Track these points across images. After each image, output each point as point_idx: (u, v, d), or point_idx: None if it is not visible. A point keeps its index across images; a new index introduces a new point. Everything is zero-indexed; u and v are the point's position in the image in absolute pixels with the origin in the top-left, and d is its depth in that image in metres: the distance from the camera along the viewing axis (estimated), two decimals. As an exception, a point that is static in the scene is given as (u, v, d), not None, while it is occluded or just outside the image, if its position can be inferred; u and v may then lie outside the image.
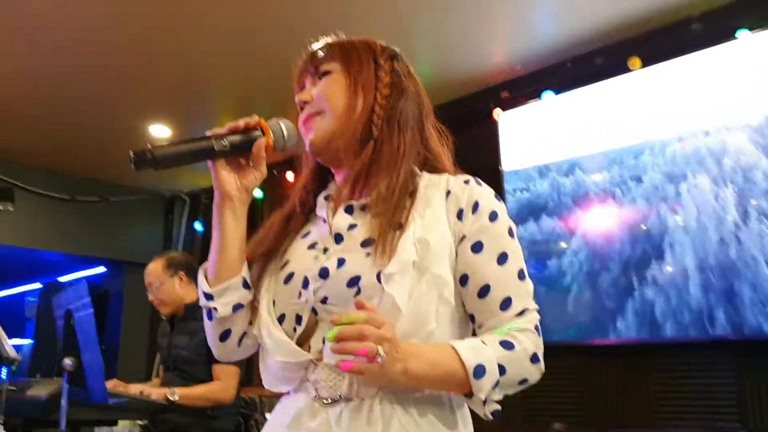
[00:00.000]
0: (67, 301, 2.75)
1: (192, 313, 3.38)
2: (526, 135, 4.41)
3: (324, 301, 1.20)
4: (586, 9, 3.86)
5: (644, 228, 3.76)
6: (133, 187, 6.95)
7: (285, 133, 1.32)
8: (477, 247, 1.23)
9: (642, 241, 3.77)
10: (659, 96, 3.84)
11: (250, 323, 1.31)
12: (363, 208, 1.28)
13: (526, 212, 4.23)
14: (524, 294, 1.23)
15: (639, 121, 3.90)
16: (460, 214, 1.24)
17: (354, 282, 1.18)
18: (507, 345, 1.17)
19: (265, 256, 1.35)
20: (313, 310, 1.22)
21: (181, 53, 4.38)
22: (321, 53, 1.38)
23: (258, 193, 5.91)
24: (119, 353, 6.76)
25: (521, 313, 1.21)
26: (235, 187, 1.29)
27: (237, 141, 1.27)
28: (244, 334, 1.33)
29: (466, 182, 1.28)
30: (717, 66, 3.64)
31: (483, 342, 1.17)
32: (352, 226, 1.27)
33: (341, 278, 1.19)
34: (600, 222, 3.97)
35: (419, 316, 1.16)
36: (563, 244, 4.09)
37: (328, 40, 1.42)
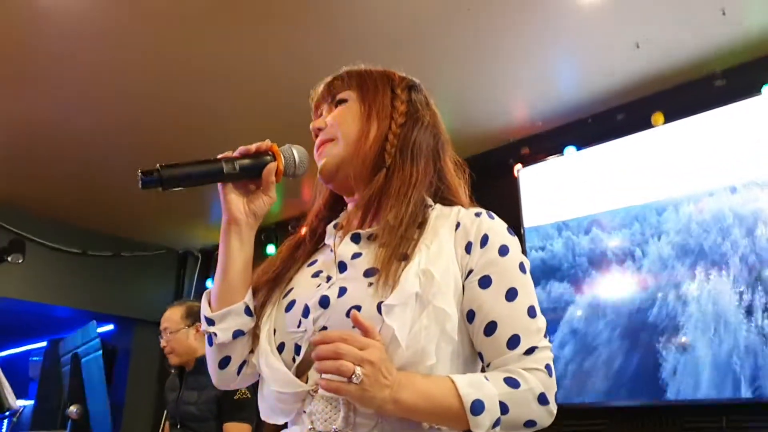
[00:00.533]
0: (75, 343, 2.66)
1: (203, 367, 3.25)
2: (546, 191, 4.34)
3: (323, 330, 1.15)
4: (608, 66, 3.85)
5: (660, 294, 3.65)
6: (145, 243, 6.91)
7: (297, 159, 1.31)
8: (484, 282, 1.18)
9: (659, 307, 3.65)
10: (682, 152, 3.77)
11: (251, 352, 1.28)
12: (370, 238, 1.26)
13: (539, 273, 4.12)
14: (534, 331, 1.17)
15: (662, 178, 3.83)
16: (468, 248, 1.20)
17: None
18: (511, 383, 1.12)
19: (269, 284, 1.32)
20: None
21: (200, 105, 4.36)
22: (338, 81, 1.38)
23: (271, 249, 5.95)
24: (124, 411, 6.60)
25: (530, 352, 1.15)
26: (243, 212, 1.28)
27: (247, 164, 1.26)
28: (244, 362, 1.30)
29: (477, 215, 1.25)
30: (741, 121, 3.58)
31: (485, 378, 1.12)
32: (356, 255, 1.24)
33: (341, 308, 1.15)
34: (615, 285, 3.87)
35: (418, 350, 1.11)
36: (578, 311, 3.97)
37: (347, 68, 1.42)
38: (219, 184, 1.27)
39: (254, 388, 3.31)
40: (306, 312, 1.19)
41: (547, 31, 3.60)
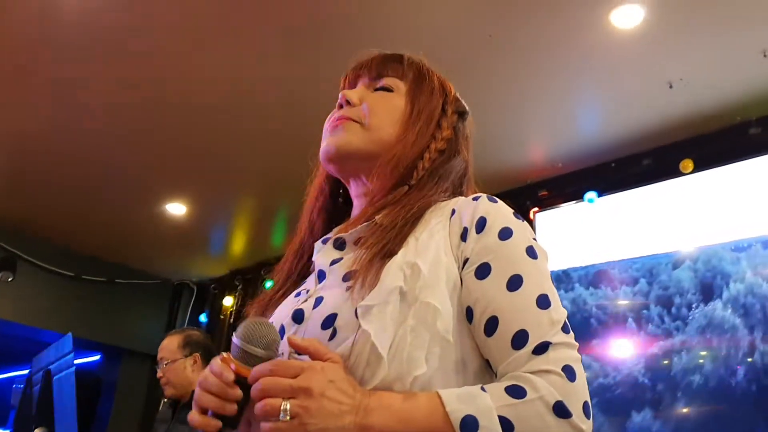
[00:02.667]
0: (49, 360, 2.43)
1: (197, 400, 3.05)
2: (562, 237, 4.14)
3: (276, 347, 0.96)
4: (637, 106, 3.68)
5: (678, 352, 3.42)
6: (140, 272, 6.72)
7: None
8: (482, 272, 0.96)
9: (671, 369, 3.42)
10: (711, 201, 3.59)
11: None
12: (357, 242, 1.07)
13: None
14: (546, 324, 0.92)
15: (683, 228, 3.64)
16: (464, 234, 1.00)
17: (330, 322, 0.96)
18: (515, 392, 0.86)
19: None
20: None
21: (200, 131, 4.23)
22: (394, 63, 1.23)
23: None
24: (105, 446, 6.35)
25: (541, 350, 0.90)
26: None
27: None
28: None
29: (475, 198, 1.04)
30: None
31: (482, 389, 0.88)
32: (336, 261, 1.07)
33: (316, 319, 0.98)
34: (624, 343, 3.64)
35: (403, 359, 0.90)
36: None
37: (400, 53, 1.25)
38: None
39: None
40: (282, 332, 1.01)
41: (573, 69, 3.45)
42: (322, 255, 1.10)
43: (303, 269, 1.18)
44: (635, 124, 3.81)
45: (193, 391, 3.00)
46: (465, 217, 1.02)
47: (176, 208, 5.35)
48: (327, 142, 1.16)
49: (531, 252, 0.99)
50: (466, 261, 0.98)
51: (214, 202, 5.24)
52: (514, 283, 0.95)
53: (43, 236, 6.03)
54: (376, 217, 1.05)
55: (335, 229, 1.18)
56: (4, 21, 3.36)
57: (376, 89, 1.21)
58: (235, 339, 0.93)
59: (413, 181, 1.12)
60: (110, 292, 6.50)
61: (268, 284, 5.54)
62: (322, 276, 1.07)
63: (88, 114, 4.13)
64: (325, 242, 1.13)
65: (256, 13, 3.22)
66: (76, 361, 6.70)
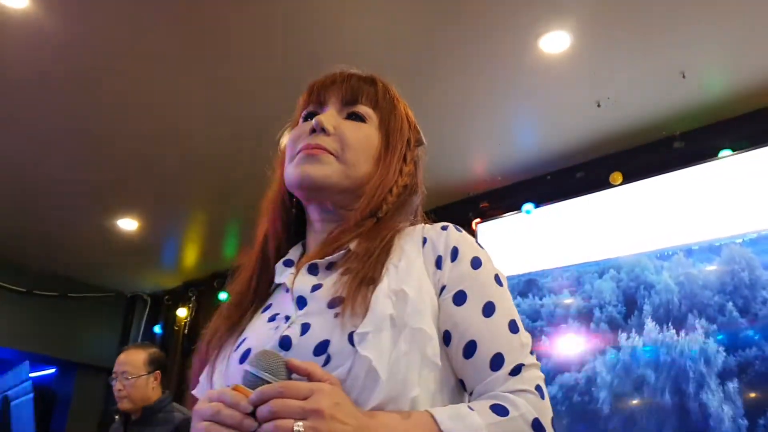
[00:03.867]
0: (6, 385, 2.50)
1: (148, 416, 3.12)
2: (504, 246, 4.31)
3: (289, 375, 0.98)
4: (568, 124, 3.87)
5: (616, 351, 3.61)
6: (93, 285, 6.74)
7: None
8: (459, 298, 1.05)
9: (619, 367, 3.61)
10: (639, 212, 3.79)
11: None
12: (329, 267, 1.12)
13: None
14: (517, 348, 1.03)
15: (615, 237, 3.84)
16: (438, 262, 1.08)
17: (322, 348, 0.99)
18: (499, 410, 0.95)
19: (221, 338, 1.15)
20: None
21: (148, 153, 4.30)
22: (365, 88, 1.23)
23: (224, 296, 5.79)
24: (61, 461, 6.34)
25: (516, 371, 1.00)
26: None
27: None
28: None
29: (444, 228, 1.13)
30: (698, 184, 3.61)
31: (469, 408, 0.96)
32: (316, 287, 1.09)
33: (307, 346, 1.00)
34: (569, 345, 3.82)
35: (399, 381, 0.96)
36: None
37: (372, 75, 1.26)
38: None
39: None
40: None
41: (508, 88, 3.62)
42: (300, 280, 1.11)
43: (264, 285, 1.20)
44: (568, 139, 4.00)
45: (143, 407, 3.10)
46: (438, 246, 1.09)
47: (128, 224, 5.38)
48: (301, 170, 1.15)
49: (498, 280, 1.09)
50: (443, 288, 1.06)
51: (165, 216, 5.28)
52: (488, 309, 1.04)
53: (-6, 253, 6.02)
54: (351, 246, 1.11)
55: (293, 251, 1.21)
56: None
57: (349, 115, 1.21)
58: (253, 370, 0.94)
59: (381, 213, 1.17)
60: (63, 306, 6.50)
61: (222, 295, 5.63)
62: (301, 301, 1.08)
63: (38, 138, 4.19)
64: (287, 265, 1.17)
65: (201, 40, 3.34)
66: (31, 375, 6.67)
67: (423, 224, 1.16)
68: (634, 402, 3.49)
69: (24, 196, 5.01)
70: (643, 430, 3.40)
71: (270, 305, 1.16)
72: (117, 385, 3.17)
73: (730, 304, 3.33)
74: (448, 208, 4.63)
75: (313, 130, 1.17)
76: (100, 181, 4.73)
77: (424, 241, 1.11)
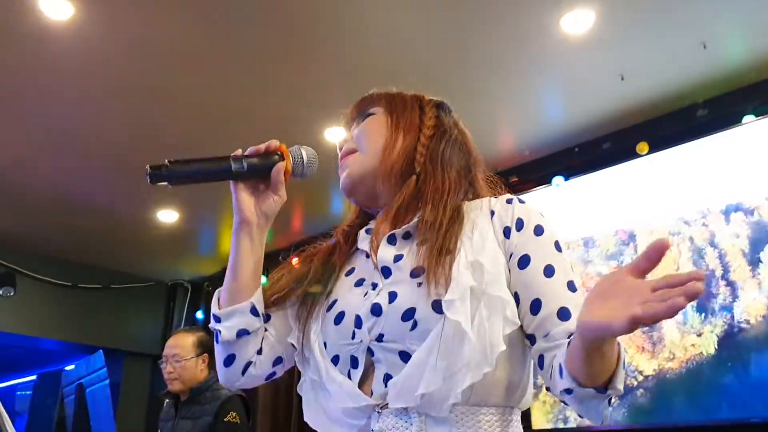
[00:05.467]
0: (79, 374, 2.66)
1: (196, 396, 3.25)
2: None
3: (380, 338, 1.14)
4: (593, 96, 3.97)
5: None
6: (135, 275, 6.93)
7: (305, 159, 1.31)
8: (523, 262, 1.18)
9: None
10: (667, 181, 3.88)
11: (259, 353, 1.29)
12: (406, 237, 1.25)
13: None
14: (580, 305, 1.07)
15: (649, 206, 3.93)
16: (507, 232, 1.20)
17: (409, 315, 1.12)
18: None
19: (305, 293, 1.31)
20: (368, 351, 1.16)
21: (188, 137, 4.41)
22: (367, 99, 1.40)
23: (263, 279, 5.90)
24: (112, 447, 6.54)
25: None
26: (254, 212, 1.28)
27: (255, 163, 1.26)
28: (250, 362, 1.29)
29: (509, 201, 1.24)
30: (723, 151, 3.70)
31: None
32: (398, 258, 1.21)
33: (395, 313, 1.13)
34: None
35: (486, 342, 1.09)
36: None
37: (376, 89, 1.43)
38: (231, 184, 1.28)
39: (246, 411, 3.28)
40: (359, 322, 1.17)
41: (533, 64, 3.72)
42: (382, 251, 1.23)
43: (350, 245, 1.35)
44: (594, 112, 4.09)
45: (191, 388, 3.25)
46: (505, 218, 1.21)
47: (168, 215, 5.57)
48: (340, 181, 1.34)
49: (557, 246, 1.20)
50: (511, 255, 1.18)
51: (203, 205, 5.40)
52: (549, 271, 1.16)
53: (39, 250, 6.23)
54: (421, 214, 1.23)
55: (373, 224, 1.33)
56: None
57: (363, 120, 1.38)
58: (303, 148, 1.30)
59: (418, 169, 1.28)
60: (107, 297, 6.71)
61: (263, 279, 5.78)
62: (386, 271, 1.21)
63: (76, 128, 4.36)
64: (368, 233, 1.30)
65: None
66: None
67: (489, 198, 1.28)
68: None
69: (65, 192, 5.19)
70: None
71: (353, 269, 1.30)
72: (167, 368, 3.28)
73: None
74: (479, 184, 4.70)
75: (340, 148, 1.38)
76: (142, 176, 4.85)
77: (492, 213, 1.23)
